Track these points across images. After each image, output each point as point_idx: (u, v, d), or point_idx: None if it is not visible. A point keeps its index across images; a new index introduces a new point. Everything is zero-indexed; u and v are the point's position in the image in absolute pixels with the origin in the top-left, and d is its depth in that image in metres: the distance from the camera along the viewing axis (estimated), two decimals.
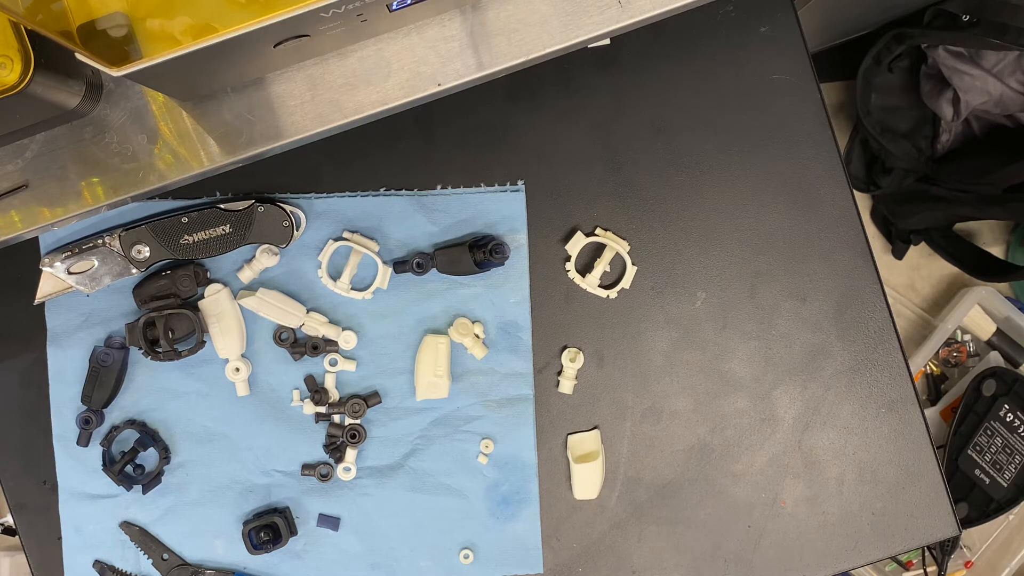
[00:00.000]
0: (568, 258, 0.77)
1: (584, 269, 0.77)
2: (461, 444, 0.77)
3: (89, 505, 0.77)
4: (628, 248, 0.77)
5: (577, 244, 0.76)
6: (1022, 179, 1.15)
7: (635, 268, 0.77)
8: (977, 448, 1.35)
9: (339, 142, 0.72)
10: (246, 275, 0.76)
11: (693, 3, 0.64)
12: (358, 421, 0.77)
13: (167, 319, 0.74)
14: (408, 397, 0.77)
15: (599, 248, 0.77)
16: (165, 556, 0.77)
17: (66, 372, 0.77)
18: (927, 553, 1.36)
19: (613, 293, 0.77)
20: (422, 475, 0.77)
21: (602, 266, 0.77)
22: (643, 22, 0.65)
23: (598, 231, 0.77)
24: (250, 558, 0.77)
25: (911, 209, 1.39)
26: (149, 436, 0.76)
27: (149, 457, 0.77)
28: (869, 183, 1.40)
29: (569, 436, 0.78)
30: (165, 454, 0.77)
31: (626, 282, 0.77)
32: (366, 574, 0.77)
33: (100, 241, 0.73)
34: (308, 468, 0.77)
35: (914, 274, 1.55)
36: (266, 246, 0.74)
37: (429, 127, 0.77)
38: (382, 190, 0.77)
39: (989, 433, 1.35)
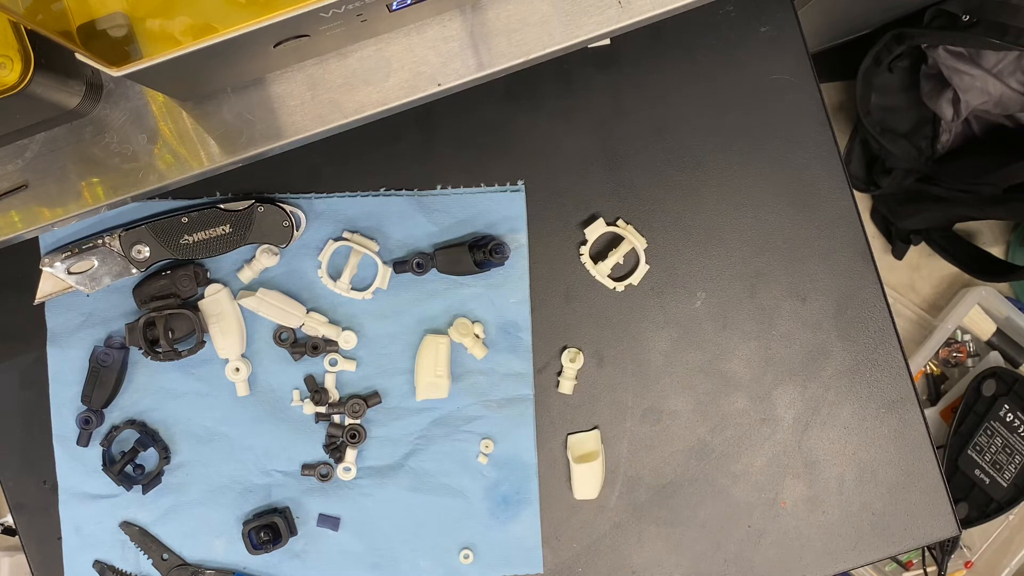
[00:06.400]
0: (584, 242, 0.77)
1: (595, 258, 0.78)
2: (461, 444, 0.77)
3: (89, 505, 0.77)
4: (646, 245, 0.77)
5: (596, 230, 0.76)
6: (1022, 179, 1.15)
7: (647, 267, 0.77)
8: (977, 448, 1.35)
9: (339, 142, 0.72)
10: (246, 275, 0.76)
11: (693, 3, 0.64)
12: (358, 421, 0.77)
13: (167, 319, 0.74)
14: (408, 397, 0.77)
15: (613, 241, 0.77)
16: (165, 556, 0.77)
17: (66, 372, 0.77)
18: (927, 553, 1.36)
19: (621, 286, 0.77)
20: (422, 475, 0.77)
21: (616, 257, 0.77)
22: (643, 22, 0.65)
23: (620, 222, 0.77)
24: (250, 558, 0.77)
25: (911, 209, 1.39)
26: (149, 436, 0.76)
27: (149, 457, 0.77)
28: (869, 183, 1.40)
29: (569, 436, 0.78)
30: (165, 454, 0.77)
31: (635, 278, 0.77)
32: (366, 574, 0.77)
33: (100, 241, 0.73)
34: (308, 468, 0.77)
35: (914, 274, 1.55)
36: (266, 246, 0.74)
37: (429, 127, 0.77)
38: (382, 190, 0.77)
39: (989, 433, 1.35)
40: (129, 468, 0.76)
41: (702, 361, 0.78)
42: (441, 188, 0.77)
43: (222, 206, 0.73)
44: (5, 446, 0.78)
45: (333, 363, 0.77)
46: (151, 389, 0.77)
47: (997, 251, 1.54)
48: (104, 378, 0.75)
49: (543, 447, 0.78)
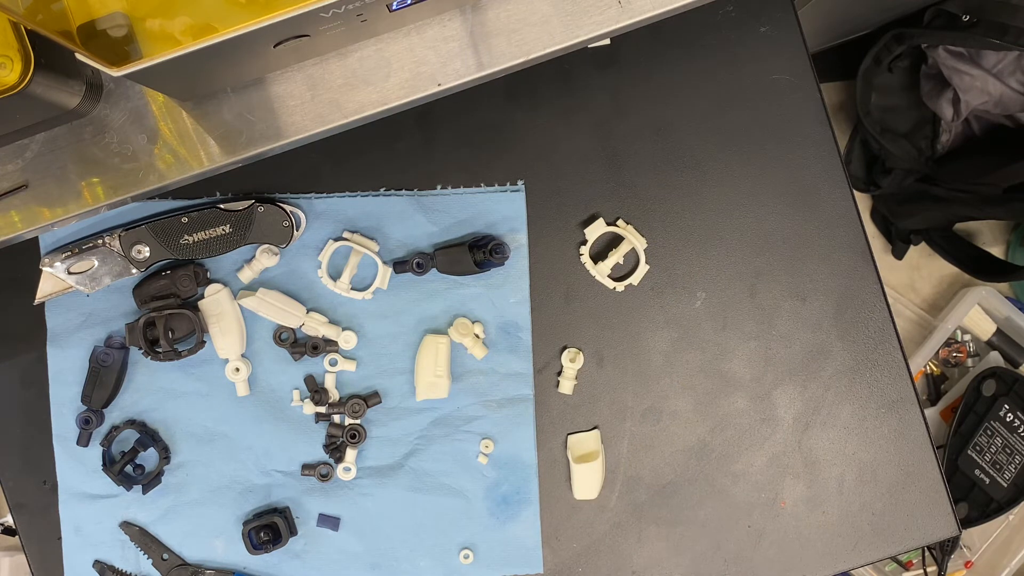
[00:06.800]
0: (584, 242, 0.77)
1: (595, 258, 0.78)
2: (461, 444, 0.77)
3: (89, 505, 0.77)
4: (646, 245, 0.77)
5: (596, 230, 0.76)
6: (1022, 179, 1.15)
7: (647, 267, 0.77)
8: (977, 448, 1.35)
9: (339, 142, 0.72)
10: (246, 275, 0.76)
11: (693, 3, 0.64)
12: (358, 421, 0.77)
13: (167, 319, 0.74)
14: (408, 397, 0.77)
15: (613, 241, 0.77)
16: (165, 556, 0.77)
17: (66, 372, 0.77)
18: (927, 553, 1.36)
19: (621, 286, 0.77)
20: (422, 475, 0.77)
21: (616, 257, 0.77)
22: (643, 22, 0.65)
23: (620, 222, 0.77)
24: (250, 558, 0.77)
25: (911, 209, 1.39)
26: (149, 436, 0.76)
27: (149, 457, 0.77)
28: (869, 183, 1.40)
29: (569, 436, 0.78)
30: (165, 454, 0.77)
31: (635, 278, 0.77)
32: (366, 574, 0.77)
33: (100, 241, 0.73)
34: (308, 468, 0.77)
35: (914, 274, 1.55)
36: (266, 246, 0.74)
37: (429, 127, 0.77)
38: (382, 190, 0.77)
39: (989, 433, 1.35)
40: (129, 468, 0.76)
41: (702, 361, 0.78)
42: (441, 188, 0.77)
43: (222, 206, 0.73)
44: (5, 446, 0.78)
45: (333, 363, 0.77)
46: (151, 389, 0.77)
47: (997, 251, 1.54)
48: (104, 378, 0.75)
49: (543, 447, 0.78)
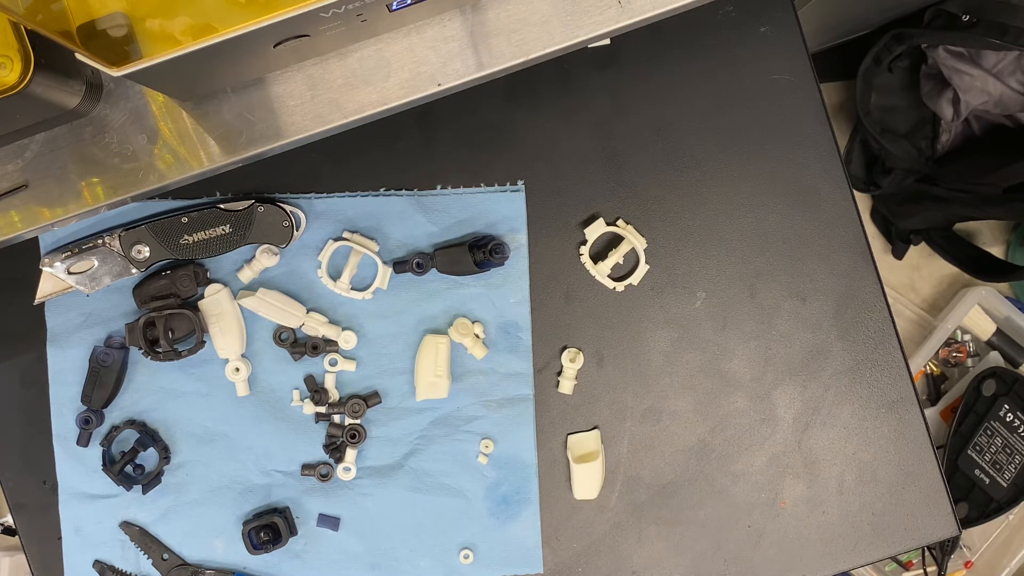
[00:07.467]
0: (584, 242, 0.77)
1: (595, 258, 0.78)
2: (461, 444, 0.77)
3: (89, 505, 0.77)
4: (646, 245, 0.77)
5: (596, 230, 0.76)
6: (1022, 179, 1.15)
7: (647, 267, 0.77)
8: (977, 448, 1.35)
9: (339, 142, 0.72)
10: (246, 275, 0.76)
11: (693, 3, 0.64)
12: (358, 421, 0.77)
13: (167, 319, 0.74)
14: (408, 397, 0.77)
15: (613, 241, 0.77)
16: (165, 556, 0.77)
17: (66, 372, 0.77)
18: (927, 553, 1.36)
19: (621, 286, 0.77)
20: (422, 475, 0.77)
21: (616, 257, 0.77)
22: (643, 22, 0.65)
23: (620, 222, 0.77)
24: (250, 558, 0.77)
25: (911, 209, 1.39)
26: (149, 436, 0.76)
27: (149, 457, 0.77)
28: (869, 183, 1.40)
29: (569, 436, 0.78)
30: (165, 454, 0.77)
31: (635, 278, 0.77)
32: (366, 574, 0.77)
33: (100, 241, 0.73)
34: (308, 468, 0.77)
35: (914, 274, 1.55)
36: (266, 246, 0.74)
37: (429, 127, 0.77)
38: (382, 190, 0.77)
39: (989, 433, 1.35)
40: (129, 468, 0.76)
41: (702, 361, 0.78)
42: (441, 188, 0.77)
43: (222, 206, 0.73)
44: (5, 446, 0.78)
45: (333, 363, 0.77)
46: (151, 389, 0.77)
47: (997, 251, 1.54)
48: (104, 378, 0.75)
49: (543, 447, 0.78)
